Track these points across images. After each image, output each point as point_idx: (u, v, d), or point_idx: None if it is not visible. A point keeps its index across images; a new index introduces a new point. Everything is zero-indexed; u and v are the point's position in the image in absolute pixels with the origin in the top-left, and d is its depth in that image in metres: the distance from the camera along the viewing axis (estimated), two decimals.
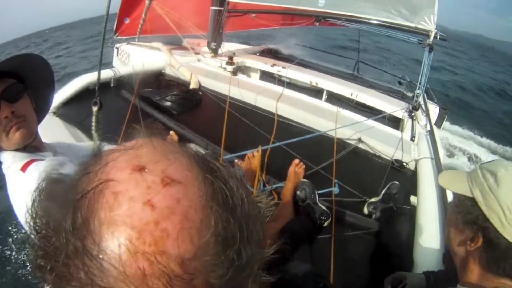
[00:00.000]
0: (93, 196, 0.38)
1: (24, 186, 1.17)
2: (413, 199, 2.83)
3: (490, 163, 1.13)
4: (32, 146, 1.33)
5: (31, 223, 0.43)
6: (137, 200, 0.37)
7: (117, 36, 6.79)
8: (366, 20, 4.72)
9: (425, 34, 4.29)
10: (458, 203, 1.15)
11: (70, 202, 0.39)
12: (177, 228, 0.37)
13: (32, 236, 0.42)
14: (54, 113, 3.76)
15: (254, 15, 5.66)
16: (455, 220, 1.14)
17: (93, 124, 1.76)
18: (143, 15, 6.39)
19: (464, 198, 1.11)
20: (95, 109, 1.73)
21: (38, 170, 1.20)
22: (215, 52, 5.97)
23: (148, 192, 0.38)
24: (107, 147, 1.53)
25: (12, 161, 1.25)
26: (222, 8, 5.65)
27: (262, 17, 5.73)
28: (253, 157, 2.89)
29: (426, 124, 4.10)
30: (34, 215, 0.43)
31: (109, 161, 0.42)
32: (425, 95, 5.11)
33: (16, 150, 1.28)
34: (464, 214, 1.10)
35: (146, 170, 0.40)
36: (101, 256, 0.35)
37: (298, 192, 2.61)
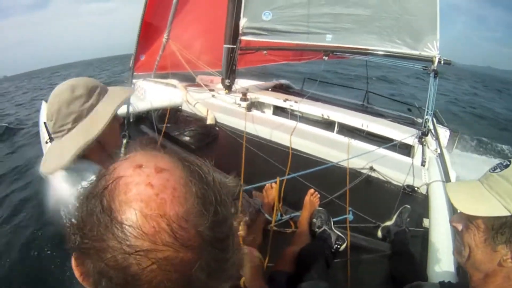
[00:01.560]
0: (112, 187, 0.55)
1: None
2: (426, 221, 2.91)
3: (510, 168, 1.06)
4: None
5: (72, 217, 0.59)
6: (141, 184, 0.54)
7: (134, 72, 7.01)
8: (372, 52, 4.86)
9: (429, 60, 4.41)
10: (487, 223, 1.07)
11: (97, 195, 0.56)
12: (170, 196, 0.54)
13: (70, 224, 0.59)
14: None
15: (265, 52, 5.81)
16: (483, 241, 1.08)
17: (122, 155, 1.95)
18: (160, 52, 6.65)
19: (496, 218, 1.04)
20: (124, 141, 1.92)
21: None
22: (229, 88, 6.14)
23: (147, 178, 0.55)
24: None
25: (92, 168, 1.46)
26: (234, 46, 5.84)
27: (273, 53, 5.89)
28: (271, 189, 3.04)
29: (436, 149, 4.17)
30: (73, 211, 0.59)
31: (116, 166, 0.59)
32: (434, 119, 5.17)
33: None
34: (500, 234, 1.03)
35: (143, 166, 0.57)
36: (124, 224, 0.51)
37: (314, 220, 2.72)
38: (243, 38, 5.75)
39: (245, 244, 1.76)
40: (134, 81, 6.74)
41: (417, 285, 1.68)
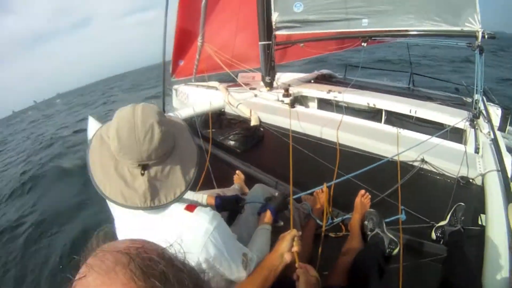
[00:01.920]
0: None
1: (196, 224, 1.37)
2: (482, 217, 2.73)
3: None
4: None
5: None
6: None
7: (174, 78, 7.11)
8: (411, 33, 4.64)
9: (472, 35, 4.14)
10: None
11: None
12: None
13: None
14: None
15: (302, 44, 5.68)
16: None
17: None
18: (197, 56, 6.69)
19: None
20: None
21: (206, 214, 1.41)
22: (270, 85, 6.09)
23: None
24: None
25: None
26: (270, 42, 5.77)
27: (310, 45, 5.74)
28: (321, 193, 2.99)
29: (489, 132, 3.92)
30: None
31: None
32: (484, 98, 4.88)
33: None
34: None
35: None
36: None
37: (365, 223, 2.65)
38: (277, 33, 5.65)
39: (300, 260, 1.72)
40: (175, 86, 6.88)
41: None
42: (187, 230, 1.36)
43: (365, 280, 1.90)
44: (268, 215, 2.11)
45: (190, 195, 2.40)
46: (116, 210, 1.51)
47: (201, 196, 2.42)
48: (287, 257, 1.67)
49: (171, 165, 1.37)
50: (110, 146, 1.31)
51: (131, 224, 1.45)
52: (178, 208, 1.40)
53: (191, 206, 1.41)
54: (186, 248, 1.28)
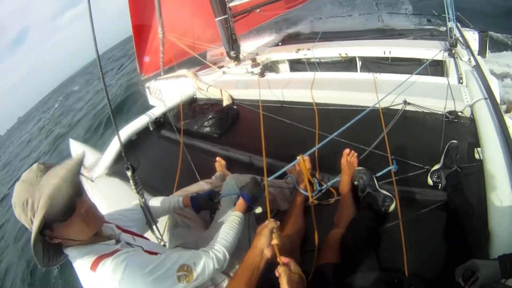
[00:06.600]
0: None
1: (100, 285, 1.31)
2: (478, 151, 2.55)
3: None
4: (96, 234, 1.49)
5: None
6: None
7: (143, 77, 6.89)
8: None
9: None
10: None
11: None
12: None
13: None
14: (106, 174, 3.92)
15: (259, 10, 5.46)
16: None
17: (133, 187, 1.82)
18: (161, 48, 6.47)
19: None
20: (129, 173, 1.75)
21: (107, 271, 1.31)
22: (237, 59, 5.86)
23: None
24: (151, 201, 1.59)
25: (81, 255, 1.38)
26: (226, 16, 5.51)
27: (267, 8, 5.52)
28: (304, 162, 2.79)
29: (469, 58, 3.71)
30: None
31: None
32: (458, 25, 4.70)
33: (82, 244, 1.42)
34: None
35: None
36: None
37: (355, 183, 2.49)
38: (231, 4, 5.41)
39: (283, 249, 1.59)
40: (147, 84, 6.66)
41: (472, 266, 1.46)
42: None
43: (359, 258, 1.75)
44: (240, 203, 1.98)
45: (167, 201, 2.22)
46: None
47: (177, 200, 2.23)
48: (267, 253, 1.57)
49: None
50: None
51: None
52: (85, 268, 1.35)
53: (96, 263, 1.34)
54: None
